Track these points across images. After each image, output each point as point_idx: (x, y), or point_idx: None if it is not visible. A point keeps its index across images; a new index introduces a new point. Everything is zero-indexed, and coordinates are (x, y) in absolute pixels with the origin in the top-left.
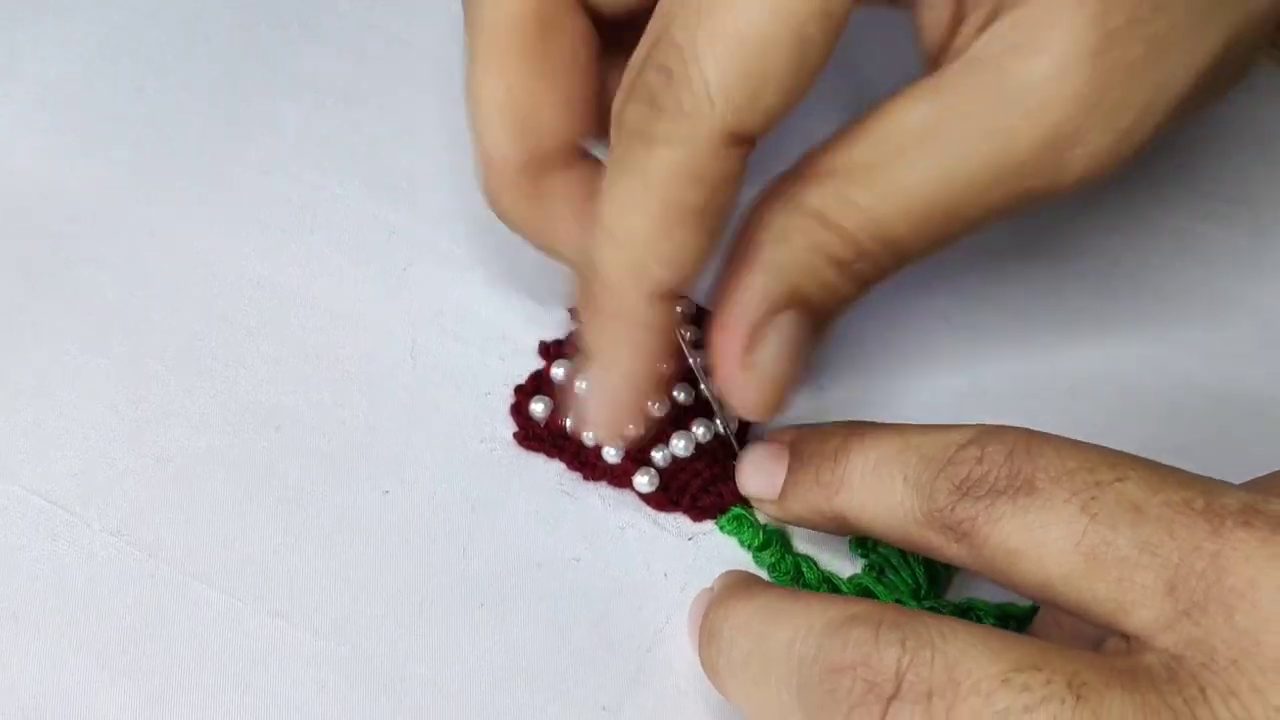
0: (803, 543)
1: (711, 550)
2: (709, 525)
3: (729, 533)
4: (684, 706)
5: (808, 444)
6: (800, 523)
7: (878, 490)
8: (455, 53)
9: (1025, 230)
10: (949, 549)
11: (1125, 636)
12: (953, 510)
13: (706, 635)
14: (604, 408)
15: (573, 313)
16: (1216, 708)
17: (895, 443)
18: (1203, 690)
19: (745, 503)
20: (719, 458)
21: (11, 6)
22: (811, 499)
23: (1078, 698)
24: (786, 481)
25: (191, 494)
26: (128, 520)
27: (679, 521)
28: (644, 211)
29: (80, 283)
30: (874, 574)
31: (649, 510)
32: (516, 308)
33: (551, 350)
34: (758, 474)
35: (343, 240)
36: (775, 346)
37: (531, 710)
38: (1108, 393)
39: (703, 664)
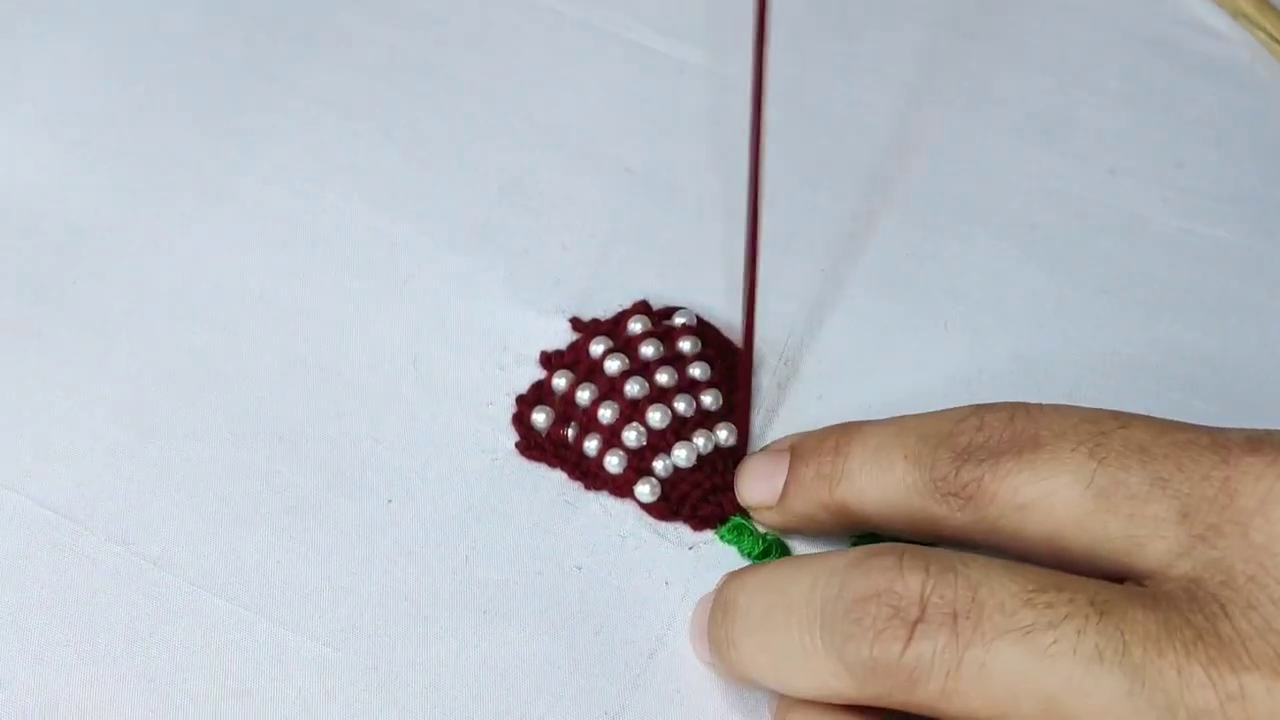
0: (802, 551)
1: (711, 559)
2: (709, 534)
3: (729, 542)
4: (685, 712)
5: (807, 444)
6: (801, 524)
7: (878, 472)
8: (455, 66)
9: (1024, 234)
10: (953, 519)
11: (1139, 581)
12: (957, 474)
13: (721, 609)
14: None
15: (573, 323)
16: (1238, 621)
17: (893, 428)
18: (1223, 607)
19: (745, 512)
20: (719, 468)
21: (12, 22)
22: (813, 494)
23: (1101, 614)
24: (788, 480)
25: (195, 504)
26: (132, 530)
27: (679, 531)
28: None
29: (83, 295)
30: None
31: (650, 519)
32: (517, 318)
33: (553, 360)
34: (758, 480)
35: (344, 252)
36: None
37: (534, 716)
38: (1107, 396)
39: (713, 642)
